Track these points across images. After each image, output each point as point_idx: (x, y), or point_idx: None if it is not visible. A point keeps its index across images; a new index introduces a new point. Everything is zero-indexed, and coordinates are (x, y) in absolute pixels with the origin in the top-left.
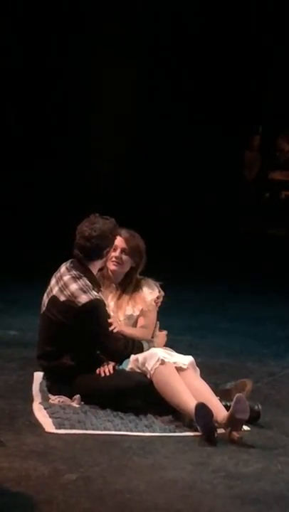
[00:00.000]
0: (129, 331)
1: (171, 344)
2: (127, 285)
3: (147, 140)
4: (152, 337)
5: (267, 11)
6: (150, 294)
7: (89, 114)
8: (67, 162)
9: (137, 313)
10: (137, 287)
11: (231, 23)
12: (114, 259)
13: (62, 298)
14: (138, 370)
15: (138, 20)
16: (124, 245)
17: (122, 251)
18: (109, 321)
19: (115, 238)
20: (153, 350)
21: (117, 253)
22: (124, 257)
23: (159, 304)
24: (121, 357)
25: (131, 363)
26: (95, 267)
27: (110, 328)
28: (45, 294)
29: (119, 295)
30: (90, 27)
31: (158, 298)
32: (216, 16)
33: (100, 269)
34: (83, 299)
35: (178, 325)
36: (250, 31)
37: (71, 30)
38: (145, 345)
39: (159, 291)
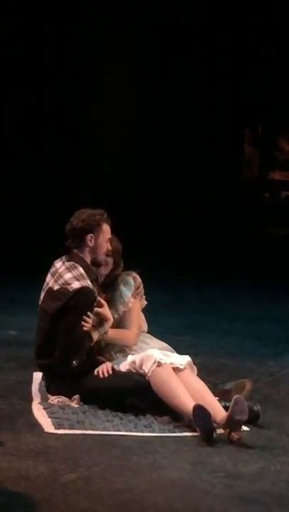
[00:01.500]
0: (111, 333)
1: (171, 344)
2: (106, 286)
3: (147, 140)
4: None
5: (267, 9)
6: (127, 291)
7: (89, 114)
8: (67, 162)
9: (118, 314)
10: (114, 286)
11: (231, 22)
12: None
13: (56, 287)
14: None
15: (138, 20)
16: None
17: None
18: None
19: (98, 225)
20: (149, 351)
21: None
22: (108, 259)
23: (141, 295)
24: (65, 357)
25: (128, 365)
26: (85, 256)
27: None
28: (42, 290)
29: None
30: (90, 27)
31: (137, 288)
32: (216, 15)
33: (94, 264)
34: (76, 284)
35: (177, 325)
36: (250, 30)
37: (71, 30)
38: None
39: (135, 282)
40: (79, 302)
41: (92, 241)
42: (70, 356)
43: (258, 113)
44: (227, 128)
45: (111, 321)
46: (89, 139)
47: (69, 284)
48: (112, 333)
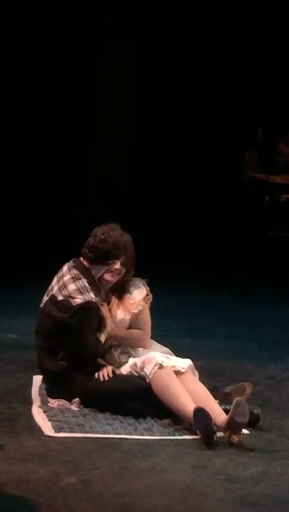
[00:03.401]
0: (124, 333)
1: (171, 347)
2: (116, 290)
3: (148, 140)
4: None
5: (267, 13)
6: (138, 293)
7: (89, 115)
8: (68, 164)
9: (128, 316)
10: (124, 290)
11: (231, 24)
12: (114, 270)
13: (59, 297)
14: (136, 375)
15: (138, 21)
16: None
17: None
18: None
19: (125, 253)
20: (151, 354)
21: (117, 265)
22: (122, 268)
23: (150, 301)
24: (86, 366)
25: (129, 368)
26: (95, 272)
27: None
28: (46, 293)
29: (109, 301)
30: (89, 27)
31: (147, 295)
32: (216, 17)
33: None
34: (79, 299)
35: (178, 327)
36: (250, 32)
37: (71, 30)
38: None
39: (146, 288)
40: (83, 318)
41: (110, 264)
42: (90, 365)
43: (258, 116)
44: (227, 132)
45: (109, 318)
46: (89, 140)
47: (72, 297)
48: (126, 333)
